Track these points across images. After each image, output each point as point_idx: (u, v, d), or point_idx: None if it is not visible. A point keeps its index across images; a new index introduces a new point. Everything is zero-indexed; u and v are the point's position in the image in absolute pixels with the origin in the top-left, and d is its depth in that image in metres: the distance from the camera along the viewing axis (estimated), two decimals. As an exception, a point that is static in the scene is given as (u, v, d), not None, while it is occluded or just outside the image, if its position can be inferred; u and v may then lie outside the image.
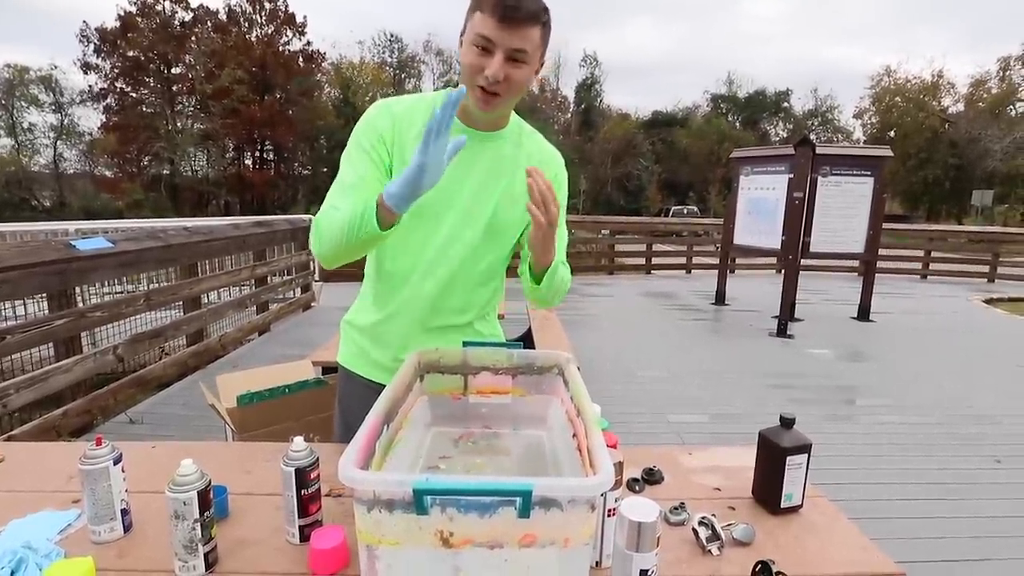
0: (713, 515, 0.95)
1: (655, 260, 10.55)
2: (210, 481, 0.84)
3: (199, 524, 0.81)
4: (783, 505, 1.01)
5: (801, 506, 1.03)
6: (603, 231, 11.27)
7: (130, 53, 28.57)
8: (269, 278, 5.71)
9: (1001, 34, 59.42)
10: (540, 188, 0.95)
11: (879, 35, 64.73)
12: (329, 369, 2.63)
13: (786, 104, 40.15)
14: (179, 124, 29.46)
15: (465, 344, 1.14)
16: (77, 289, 3.14)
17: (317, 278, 6.96)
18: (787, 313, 5.71)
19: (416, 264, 1.16)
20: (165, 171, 29.50)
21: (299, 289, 6.47)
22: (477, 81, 1.00)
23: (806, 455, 1.01)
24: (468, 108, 1.08)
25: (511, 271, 1.30)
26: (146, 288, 4.10)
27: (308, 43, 33.10)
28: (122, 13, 28.37)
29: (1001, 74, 31.34)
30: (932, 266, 10.34)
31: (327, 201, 1.07)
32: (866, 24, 65.22)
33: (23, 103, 28.64)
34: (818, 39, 69.58)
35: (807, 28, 69.44)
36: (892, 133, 32.96)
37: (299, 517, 0.89)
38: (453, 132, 1.08)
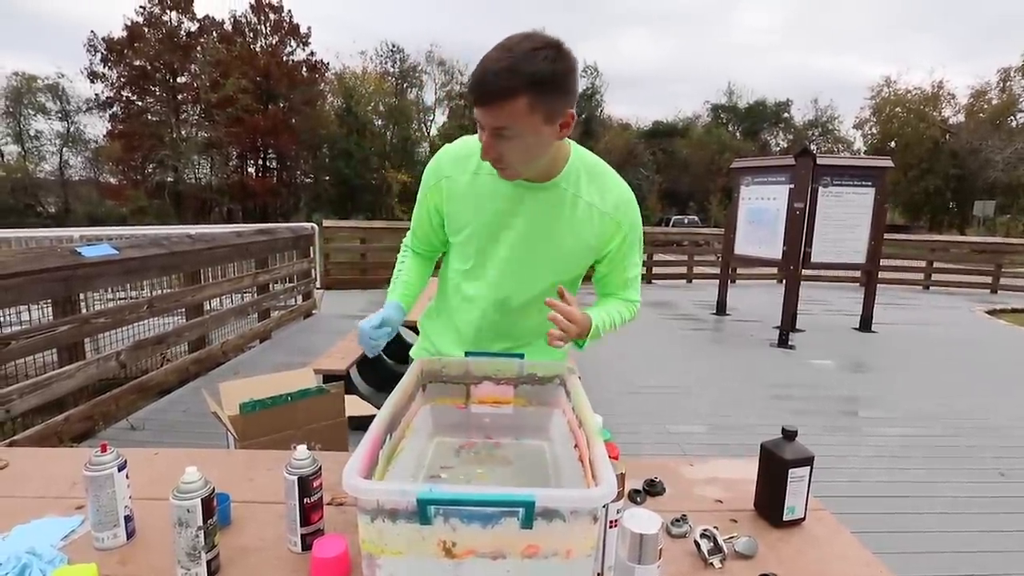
0: (715, 527, 0.95)
1: (655, 269, 10.55)
2: (214, 489, 0.84)
3: (202, 532, 0.81)
4: (785, 518, 1.01)
5: (804, 519, 1.03)
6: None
7: (136, 62, 28.82)
8: (271, 285, 5.73)
9: (995, 44, 59.69)
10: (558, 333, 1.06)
11: (875, 46, 65.10)
12: (330, 377, 2.63)
13: (786, 114, 40.31)
14: (183, 132, 29.62)
15: (468, 354, 1.15)
16: (81, 295, 3.15)
17: (318, 285, 6.97)
18: (788, 323, 5.71)
19: (485, 325, 1.23)
20: (169, 178, 29.65)
21: (300, 296, 6.49)
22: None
23: (808, 468, 1.01)
24: None
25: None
26: (149, 295, 4.11)
27: (311, 53, 33.40)
28: (129, 23, 28.67)
29: (1001, 85, 31.47)
30: (934, 277, 10.32)
31: (408, 233, 1.33)
32: (862, 35, 65.65)
33: (30, 111, 28.83)
34: (816, 50, 69.93)
35: (805, 39, 69.84)
36: (893, 143, 33.00)
37: (301, 526, 0.89)
38: (504, 185, 1.11)
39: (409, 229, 1.32)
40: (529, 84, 0.91)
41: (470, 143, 1.13)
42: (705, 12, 67.67)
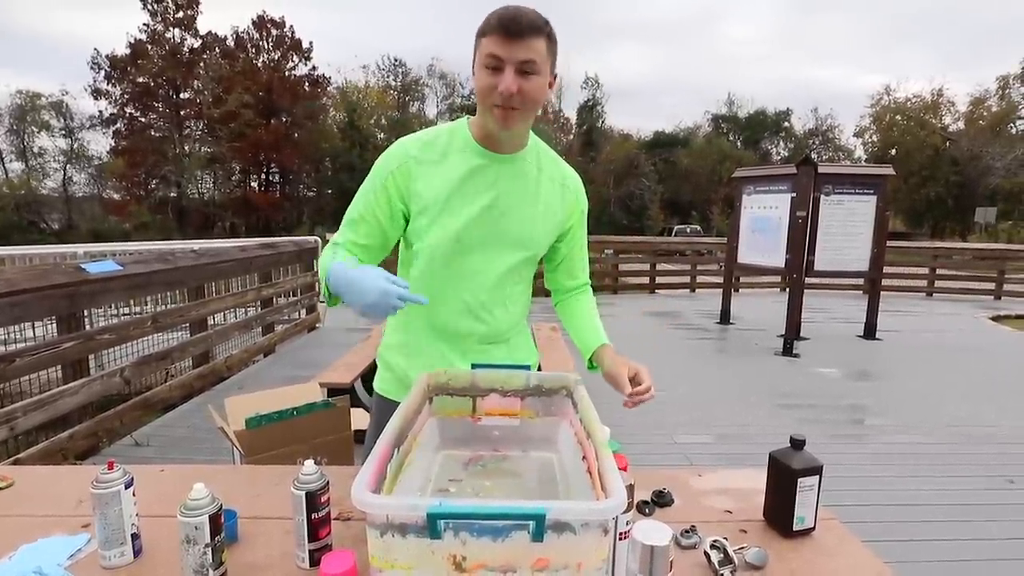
0: (725, 538, 0.94)
1: (659, 279, 10.55)
2: (221, 505, 0.84)
3: (210, 549, 0.81)
4: (795, 528, 1.00)
5: (813, 529, 1.02)
6: (607, 250, 11.29)
7: (140, 79, 29.11)
8: (275, 299, 5.73)
9: (992, 52, 60.02)
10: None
11: (873, 55, 65.59)
12: (335, 391, 2.63)
13: (787, 123, 40.47)
14: (187, 148, 29.87)
15: (474, 366, 1.14)
16: (86, 312, 3.16)
17: (322, 299, 6.98)
18: (793, 332, 5.69)
19: (451, 293, 1.19)
20: (172, 194, 29.86)
21: (304, 310, 6.49)
22: (493, 100, 1.03)
23: (818, 477, 1.00)
24: (489, 132, 1.11)
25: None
26: (153, 310, 4.12)
27: (314, 68, 33.70)
28: (132, 41, 29.01)
29: (1000, 92, 31.60)
30: (937, 284, 10.29)
31: (337, 232, 1.19)
32: (860, 44, 66.13)
33: (34, 128, 29.12)
34: (814, 60, 70.38)
35: (803, 49, 70.31)
36: (893, 151, 33.10)
37: (309, 541, 0.89)
38: (475, 159, 1.13)
39: (344, 223, 1.17)
40: (547, 31, 1.03)
41: (433, 131, 1.17)
42: (701, 24, 68.29)
